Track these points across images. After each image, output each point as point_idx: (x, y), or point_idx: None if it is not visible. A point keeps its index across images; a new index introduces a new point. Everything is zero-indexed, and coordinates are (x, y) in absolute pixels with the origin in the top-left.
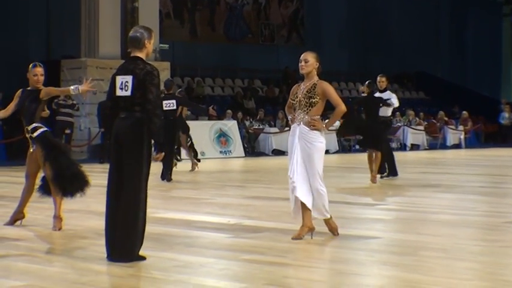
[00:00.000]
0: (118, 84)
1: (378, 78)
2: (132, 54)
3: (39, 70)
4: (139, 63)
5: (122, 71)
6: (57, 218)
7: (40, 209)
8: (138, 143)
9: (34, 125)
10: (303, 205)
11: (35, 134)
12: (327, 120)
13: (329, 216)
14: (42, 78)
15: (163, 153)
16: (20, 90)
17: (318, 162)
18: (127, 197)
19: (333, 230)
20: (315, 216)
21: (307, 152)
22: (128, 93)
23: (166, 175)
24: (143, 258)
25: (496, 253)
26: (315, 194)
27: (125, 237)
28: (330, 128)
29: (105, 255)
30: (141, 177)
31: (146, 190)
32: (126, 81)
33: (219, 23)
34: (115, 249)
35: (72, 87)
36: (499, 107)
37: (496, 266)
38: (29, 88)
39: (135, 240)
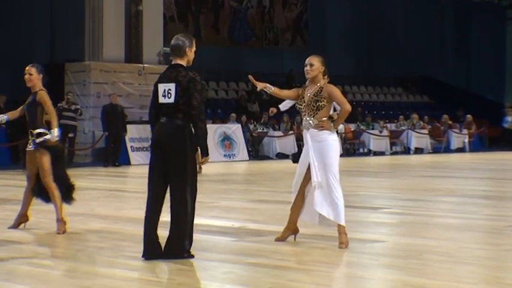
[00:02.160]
0: (161, 92)
1: None
2: (173, 62)
3: (28, 69)
4: (181, 71)
5: (164, 78)
6: (60, 221)
7: (44, 212)
8: (181, 150)
9: (38, 130)
10: (294, 206)
11: (38, 140)
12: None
13: (342, 223)
14: (32, 78)
15: (208, 157)
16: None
17: (332, 161)
18: (177, 203)
19: (341, 244)
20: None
21: (320, 151)
22: (171, 100)
23: None
24: (193, 255)
25: (500, 257)
26: (328, 195)
27: (176, 238)
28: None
29: (141, 255)
30: (187, 182)
31: (194, 193)
32: (169, 89)
33: (223, 26)
34: (166, 248)
35: (47, 136)
36: (503, 110)
37: (500, 270)
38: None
39: (185, 240)
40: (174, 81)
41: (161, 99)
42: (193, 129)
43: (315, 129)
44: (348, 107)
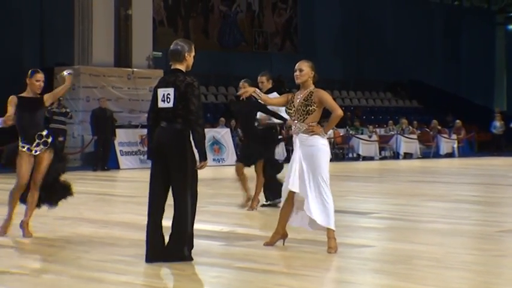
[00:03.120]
0: (160, 97)
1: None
2: (172, 67)
3: (41, 76)
4: (179, 76)
5: (163, 83)
6: (27, 225)
7: (33, 215)
8: (181, 154)
9: (47, 131)
10: (283, 211)
11: (50, 140)
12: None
13: (332, 227)
14: (43, 84)
15: (206, 161)
16: (15, 97)
17: (321, 164)
18: (177, 206)
19: (330, 248)
20: (316, 221)
21: (310, 155)
22: (170, 105)
23: None
24: (192, 259)
25: (489, 262)
26: (318, 199)
27: (176, 241)
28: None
29: (144, 259)
30: (187, 185)
31: (194, 196)
32: (168, 94)
33: (212, 31)
34: (166, 251)
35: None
36: (493, 115)
37: (489, 275)
38: (26, 95)
39: (185, 243)
40: (173, 86)
41: (160, 104)
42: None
43: (304, 134)
44: (340, 112)
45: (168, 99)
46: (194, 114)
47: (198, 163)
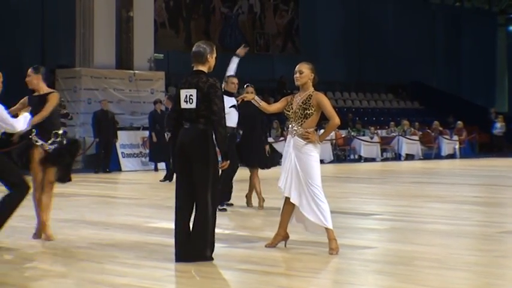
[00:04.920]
0: (182, 98)
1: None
2: (195, 69)
3: (31, 71)
4: (202, 77)
5: (185, 84)
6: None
7: (31, 218)
8: (204, 154)
9: (64, 128)
10: (284, 212)
11: (65, 141)
12: (322, 130)
13: (329, 226)
14: (31, 79)
15: (228, 161)
16: (26, 97)
17: (315, 174)
18: (198, 207)
19: (331, 250)
20: (312, 220)
21: (303, 163)
22: (193, 105)
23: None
24: (212, 259)
25: (491, 263)
26: (312, 201)
27: (198, 241)
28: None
29: (173, 259)
30: (209, 185)
31: (215, 197)
32: (191, 95)
33: (214, 32)
34: (190, 252)
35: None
36: (489, 116)
37: (491, 276)
38: (35, 94)
39: (207, 242)
40: (195, 87)
41: (183, 105)
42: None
43: (299, 138)
44: (337, 121)
45: (191, 100)
46: (217, 114)
47: (220, 163)
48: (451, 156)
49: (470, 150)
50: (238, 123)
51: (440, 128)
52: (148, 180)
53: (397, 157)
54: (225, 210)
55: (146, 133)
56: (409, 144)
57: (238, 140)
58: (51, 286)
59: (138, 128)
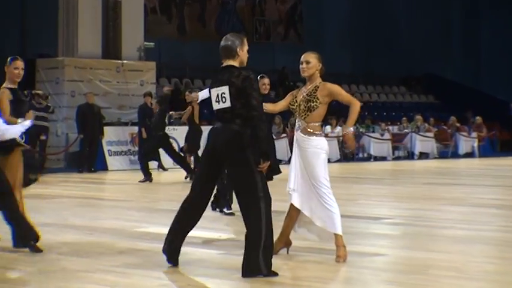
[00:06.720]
0: (214, 98)
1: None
2: (224, 64)
3: (20, 64)
4: (233, 71)
5: (216, 83)
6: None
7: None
8: (244, 160)
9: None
10: (287, 217)
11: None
12: (328, 126)
13: (338, 232)
14: (22, 72)
15: (269, 162)
16: (7, 90)
17: (320, 173)
18: (251, 219)
19: (339, 257)
20: (319, 225)
21: (307, 162)
22: (227, 104)
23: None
24: (273, 273)
25: None
26: (319, 204)
27: (251, 255)
28: (331, 135)
29: (165, 266)
30: (258, 190)
31: (268, 203)
32: (223, 93)
33: (210, 19)
34: (243, 267)
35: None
36: (511, 112)
37: None
38: (12, 87)
39: (264, 256)
40: (227, 83)
41: (215, 106)
42: (251, 132)
43: (302, 133)
44: (359, 104)
45: (224, 99)
46: (257, 109)
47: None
48: (469, 155)
49: (490, 149)
50: None
51: (458, 124)
52: (136, 180)
53: (410, 156)
54: (232, 214)
55: (135, 129)
56: (423, 142)
57: None
58: None
59: (126, 124)
